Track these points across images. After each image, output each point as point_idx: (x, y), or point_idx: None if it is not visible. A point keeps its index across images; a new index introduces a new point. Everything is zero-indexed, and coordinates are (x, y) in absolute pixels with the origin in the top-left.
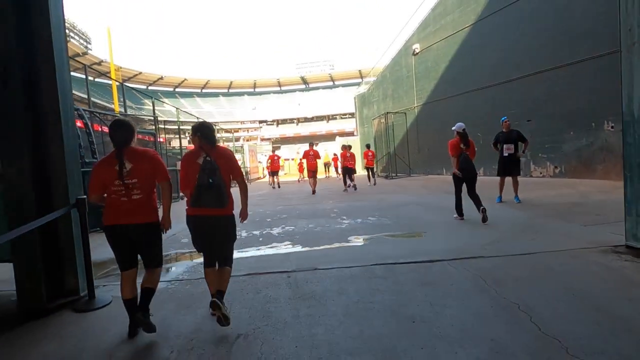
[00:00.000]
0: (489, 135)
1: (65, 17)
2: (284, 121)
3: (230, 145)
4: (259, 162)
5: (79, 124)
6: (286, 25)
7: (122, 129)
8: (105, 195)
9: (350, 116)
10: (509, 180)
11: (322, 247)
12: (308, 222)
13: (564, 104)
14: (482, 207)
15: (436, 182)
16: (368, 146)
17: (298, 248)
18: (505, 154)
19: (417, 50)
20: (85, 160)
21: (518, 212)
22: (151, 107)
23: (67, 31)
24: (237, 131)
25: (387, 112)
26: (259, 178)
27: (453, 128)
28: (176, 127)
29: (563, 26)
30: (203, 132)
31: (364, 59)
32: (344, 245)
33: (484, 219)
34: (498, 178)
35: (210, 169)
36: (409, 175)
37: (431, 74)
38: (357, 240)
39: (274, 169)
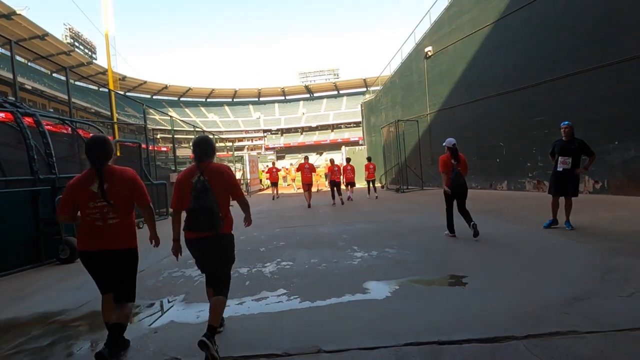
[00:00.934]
0: (513, 145)
1: (71, 27)
2: (288, 130)
3: (224, 158)
4: (263, 170)
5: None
6: (290, 35)
7: (98, 146)
8: (80, 214)
9: (355, 125)
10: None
11: (328, 302)
12: (310, 255)
13: (608, 109)
14: (472, 223)
15: None
16: (369, 159)
17: (295, 302)
18: (559, 169)
19: (429, 54)
20: (40, 177)
21: (580, 246)
22: (156, 117)
23: (72, 40)
24: (242, 140)
25: (398, 120)
26: (260, 190)
27: (444, 144)
28: (180, 136)
29: (606, 18)
30: (197, 146)
31: (369, 68)
32: (358, 298)
33: (475, 234)
34: (523, 193)
35: (202, 189)
36: (421, 188)
37: (445, 79)
38: (376, 290)
39: (273, 180)
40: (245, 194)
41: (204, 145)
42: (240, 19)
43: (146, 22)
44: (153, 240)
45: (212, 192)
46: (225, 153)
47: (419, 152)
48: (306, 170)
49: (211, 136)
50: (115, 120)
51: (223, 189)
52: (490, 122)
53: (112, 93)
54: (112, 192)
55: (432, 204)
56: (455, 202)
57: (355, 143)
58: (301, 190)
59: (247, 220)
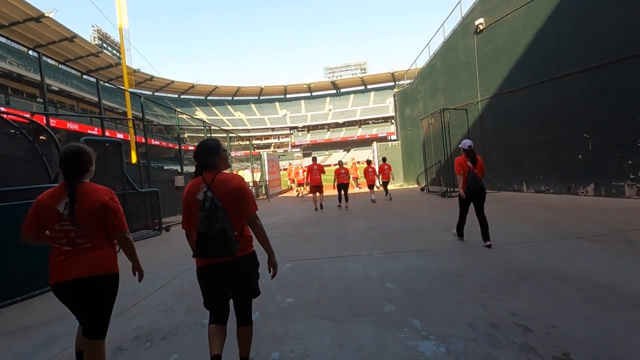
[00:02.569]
0: (603, 137)
1: (99, 28)
2: (315, 127)
3: (236, 160)
4: (285, 169)
5: None
6: (316, 30)
7: (73, 158)
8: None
9: (383, 121)
10: None
11: None
12: (335, 338)
13: None
14: (488, 242)
15: (526, 206)
16: (384, 159)
17: None
18: None
19: (481, 27)
20: None
21: None
22: (184, 116)
23: (100, 42)
24: (268, 138)
25: (443, 109)
26: (282, 192)
27: (460, 145)
28: (203, 135)
29: None
30: (199, 154)
31: (397, 61)
32: None
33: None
34: (621, 201)
35: (210, 208)
36: None
37: (502, 57)
38: None
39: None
40: (264, 197)
41: (206, 153)
42: (265, 16)
43: (172, 22)
44: (136, 272)
45: (223, 209)
46: (250, 151)
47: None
48: (315, 172)
49: (225, 135)
50: (130, 116)
51: (233, 204)
52: (567, 107)
53: (127, 88)
54: (82, 214)
55: (504, 216)
56: (472, 207)
57: (383, 139)
58: (334, 192)
59: (273, 266)
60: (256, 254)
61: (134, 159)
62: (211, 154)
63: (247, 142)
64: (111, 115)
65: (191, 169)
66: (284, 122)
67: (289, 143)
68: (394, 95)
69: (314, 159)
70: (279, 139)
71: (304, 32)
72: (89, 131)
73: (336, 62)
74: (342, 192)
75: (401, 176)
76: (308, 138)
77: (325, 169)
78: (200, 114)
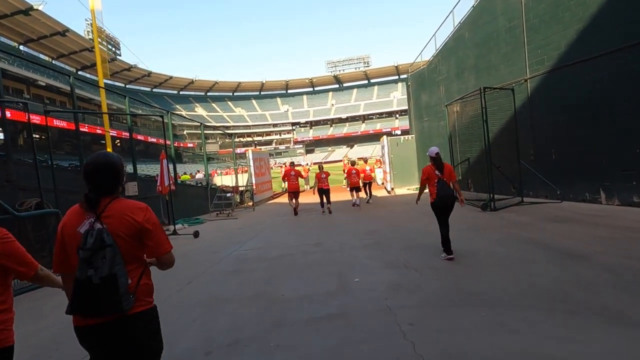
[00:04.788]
0: None
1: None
2: (317, 123)
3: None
4: (280, 165)
5: None
6: (317, 22)
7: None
8: None
9: (387, 115)
10: None
11: None
12: None
13: None
14: (450, 256)
15: (623, 230)
16: (353, 163)
17: None
18: None
19: None
20: None
21: None
22: (183, 112)
23: (106, 46)
24: (269, 135)
25: (485, 88)
26: (274, 196)
27: (427, 153)
28: (205, 131)
29: None
30: (93, 173)
31: (402, 54)
32: None
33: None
34: None
35: (95, 246)
36: (520, 200)
37: (567, 14)
38: None
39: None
40: (250, 205)
41: (106, 172)
42: (266, 8)
43: (169, 17)
44: None
45: (114, 248)
46: (232, 149)
47: (516, 140)
48: (292, 177)
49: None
50: (105, 110)
51: (134, 241)
52: None
53: (100, 74)
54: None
55: (613, 257)
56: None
57: (388, 134)
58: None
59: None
60: (156, 313)
61: None
62: (111, 174)
63: (227, 139)
64: (110, 112)
65: (153, 167)
66: (285, 117)
67: (291, 139)
68: (407, 80)
69: (292, 164)
70: (280, 135)
71: (305, 24)
72: (99, 131)
73: (339, 55)
74: (324, 198)
75: (416, 177)
76: (310, 134)
77: (302, 171)
78: (200, 110)
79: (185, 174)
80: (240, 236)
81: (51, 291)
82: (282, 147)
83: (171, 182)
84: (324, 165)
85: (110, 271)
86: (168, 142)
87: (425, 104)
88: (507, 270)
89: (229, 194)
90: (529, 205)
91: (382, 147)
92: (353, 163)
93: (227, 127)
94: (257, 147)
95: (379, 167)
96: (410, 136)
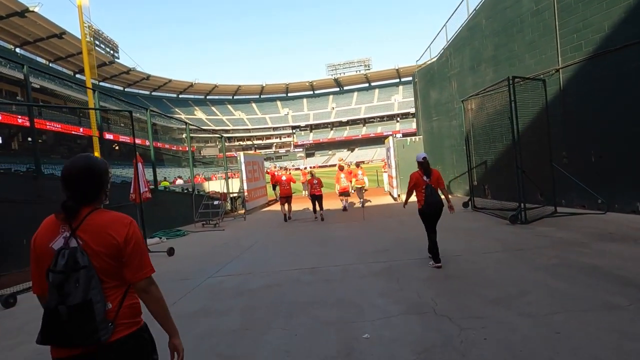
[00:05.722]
0: None
1: (90, 24)
2: (318, 126)
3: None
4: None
5: None
6: (318, 26)
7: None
8: None
9: (388, 119)
10: None
11: None
12: None
13: None
14: (438, 264)
15: None
16: (342, 168)
17: None
18: None
19: None
20: None
21: None
22: (182, 116)
23: (91, 39)
24: (269, 138)
25: (514, 77)
26: (268, 203)
27: (416, 159)
28: (207, 135)
29: None
30: (72, 179)
31: (403, 57)
32: None
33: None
34: None
35: (67, 267)
36: (554, 210)
37: None
38: None
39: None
40: (242, 213)
41: (81, 178)
42: (266, 11)
43: (169, 19)
44: None
45: (89, 270)
46: (223, 153)
47: (548, 140)
48: (283, 182)
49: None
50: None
51: (113, 261)
52: None
53: (89, 77)
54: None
55: None
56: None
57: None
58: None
59: (173, 347)
60: (147, 332)
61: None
62: (92, 179)
63: (219, 136)
64: (75, 106)
65: (130, 172)
66: (285, 121)
67: (292, 143)
68: (414, 76)
69: (284, 169)
70: (280, 139)
71: (306, 27)
72: (73, 132)
73: (339, 58)
74: (317, 203)
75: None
76: (311, 137)
77: (293, 177)
78: (199, 113)
79: (165, 179)
80: (222, 255)
81: None
82: (282, 150)
83: (147, 188)
84: (315, 171)
85: (85, 298)
86: (146, 142)
87: (435, 101)
88: (588, 325)
89: (216, 202)
90: (565, 217)
91: (387, 150)
92: (341, 168)
93: (227, 131)
94: (257, 151)
95: (385, 171)
96: (417, 137)
